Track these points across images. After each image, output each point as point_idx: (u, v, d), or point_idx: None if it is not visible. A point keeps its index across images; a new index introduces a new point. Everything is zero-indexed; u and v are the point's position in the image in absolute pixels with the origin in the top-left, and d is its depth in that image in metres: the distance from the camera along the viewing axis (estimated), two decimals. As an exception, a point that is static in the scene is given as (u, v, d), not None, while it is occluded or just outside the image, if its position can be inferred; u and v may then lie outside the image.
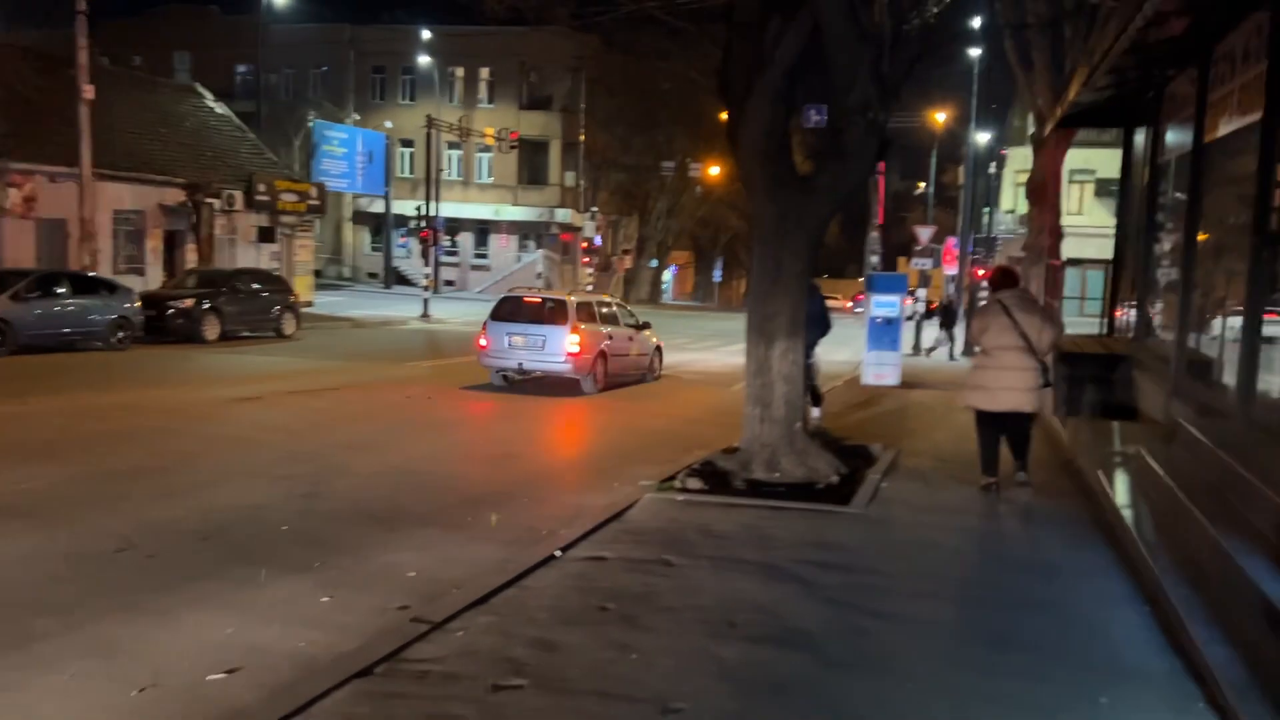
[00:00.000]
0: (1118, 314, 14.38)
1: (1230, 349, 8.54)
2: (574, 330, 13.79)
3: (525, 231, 51.84)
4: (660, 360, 17.18)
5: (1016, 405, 7.54)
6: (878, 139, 8.02)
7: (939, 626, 4.78)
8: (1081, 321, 28.10)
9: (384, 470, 8.47)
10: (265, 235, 30.55)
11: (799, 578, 5.35)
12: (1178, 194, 11.16)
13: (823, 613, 4.84)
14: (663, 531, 6.27)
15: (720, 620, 4.66)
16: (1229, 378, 8.12)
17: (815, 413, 10.76)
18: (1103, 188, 45.97)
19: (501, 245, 51.89)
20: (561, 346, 13.75)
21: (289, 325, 23.03)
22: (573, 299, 14.55)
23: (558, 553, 5.72)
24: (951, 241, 42.36)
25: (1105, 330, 15.36)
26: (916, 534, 6.54)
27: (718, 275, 70.69)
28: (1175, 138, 11.10)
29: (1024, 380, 7.49)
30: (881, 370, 16.82)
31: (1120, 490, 7.19)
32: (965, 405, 7.83)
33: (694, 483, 7.64)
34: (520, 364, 14.08)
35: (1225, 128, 8.78)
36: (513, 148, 44.67)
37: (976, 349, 8.26)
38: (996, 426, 7.74)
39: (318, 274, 48.28)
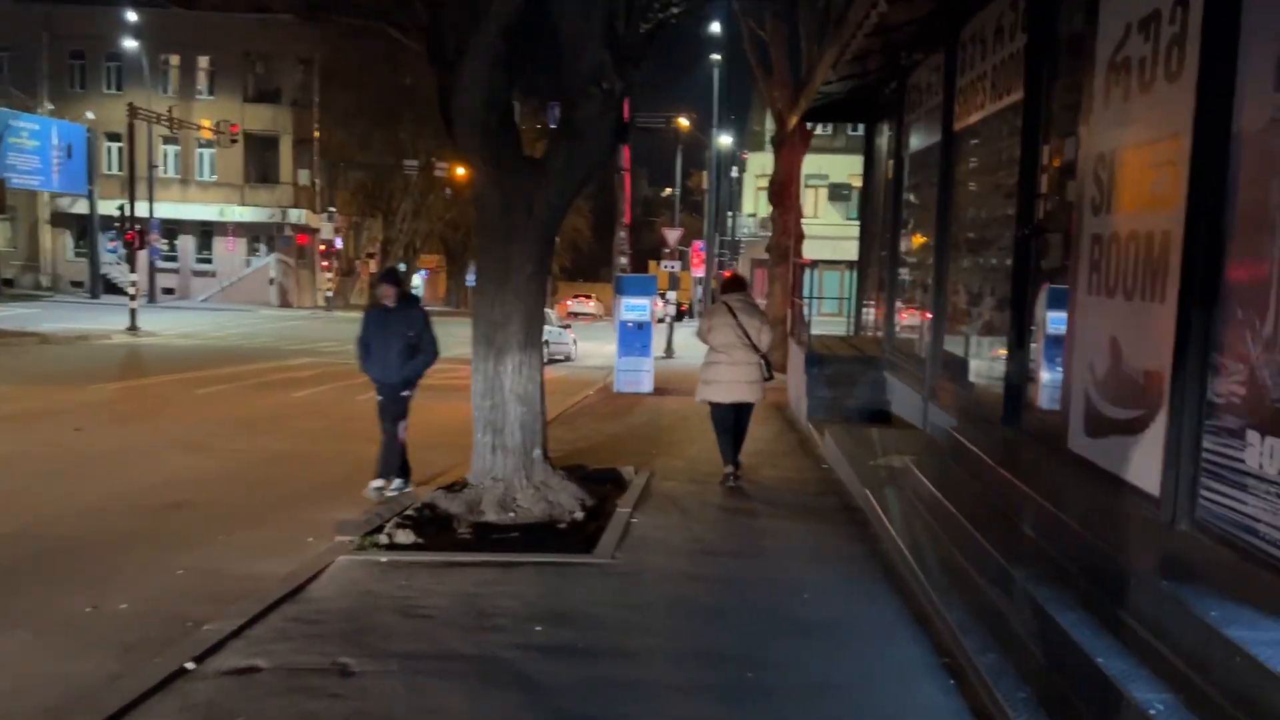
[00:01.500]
0: (874, 314, 14.09)
1: (992, 348, 8.04)
2: None
3: (255, 234, 47.80)
4: (576, 348, 23.74)
5: (743, 397, 8.19)
6: (615, 114, 6.87)
7: (706, 737, 3.60)
8: (819, 321, 28.58)
9: (-6, 538, 6.42)
10: (-77, 238, 25.95)
11: (523, 677, 4.03)
12: (925, 188, 10.81)
13: (552, 736, 3.55)
14: (350, 615, 4.77)
15: (404, 770, 3.27)
16: (994, 380, 7.58)
17: (395, 486, 7.80)
18: (835, 192, 48.06)
19: (228, 249, 47.58)
20: None
21: (-53, 344, 19.40)
22: None
23: (190, 664, 4.11)
24: (698, 245, 42.75)
25: (852, 331, 15.15)
26: (672, 589, 5.38)
27: (471, 279, 68.60)
28: (920, 129, 10.75)
29: (749, 374, 8.15)
30: (634, 377, 15.91)
31: (893, 514, 6.38)
32: (699, 400, 8.45)
33: (404, 535, 6.16)
34: None
35: (977, 113, 8.30)
36: (234, 142, 40.98)
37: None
38: (727, 418, 8.32)
39: (9, 283, 42.44)
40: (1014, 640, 4.16)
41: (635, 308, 16.02)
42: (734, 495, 7.93)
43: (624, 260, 16.72)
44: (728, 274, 9.51)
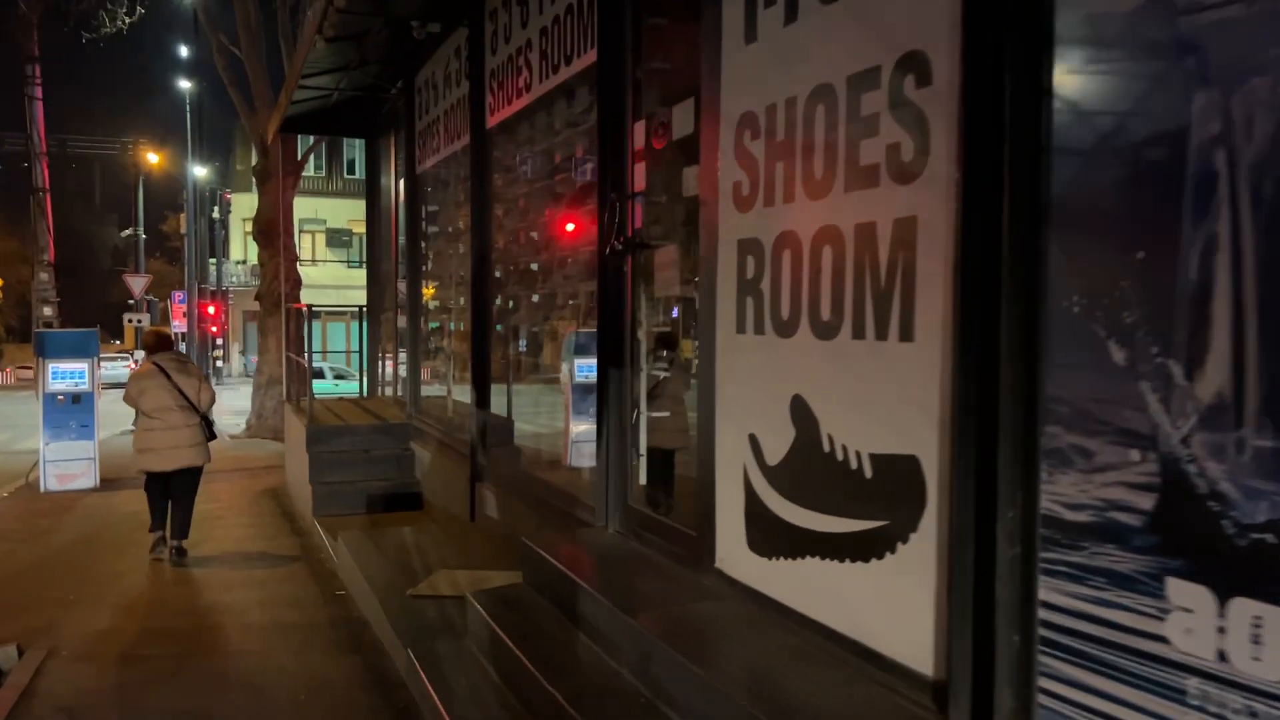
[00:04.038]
0: (392, 370, 11.52)
1: (575, 412, 5.94)
2: None
3: None
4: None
5: (188, 462, 7.62)
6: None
7: None
8: (328, 381, 25.35)
9: None
10: None
11: None
12: (451, 208, 8.59)
13: None
14: None
15: None
16: (582, 459, 5.49)
17: None
18: (335, 238, 44.88)
19: None
20: None
21: None
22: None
23: None
24: (179, 295, 37.10)
25: (365, 391, 12.48)
26: None
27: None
28: (438, 136, 8.51)
29: (191, 437, 7.63)
30: (70, 469, 11.77)
31: (459, 706, 3.90)
32: (138, 469, 7.74)
33: None
34: None
35: (523, 98, 6.21)
36: None
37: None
38: (166, 486, 7.67)
39: None
40: None
41: (67, 375, 11.90)
42: (189, 685, 4.92)
43: (48, 311, 12.36)
44: (152, 331, 8.29)
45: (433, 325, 9.37)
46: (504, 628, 4.12)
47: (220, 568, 7.35)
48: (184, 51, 27.86)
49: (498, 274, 7.25)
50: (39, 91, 12.85)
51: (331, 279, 38.69)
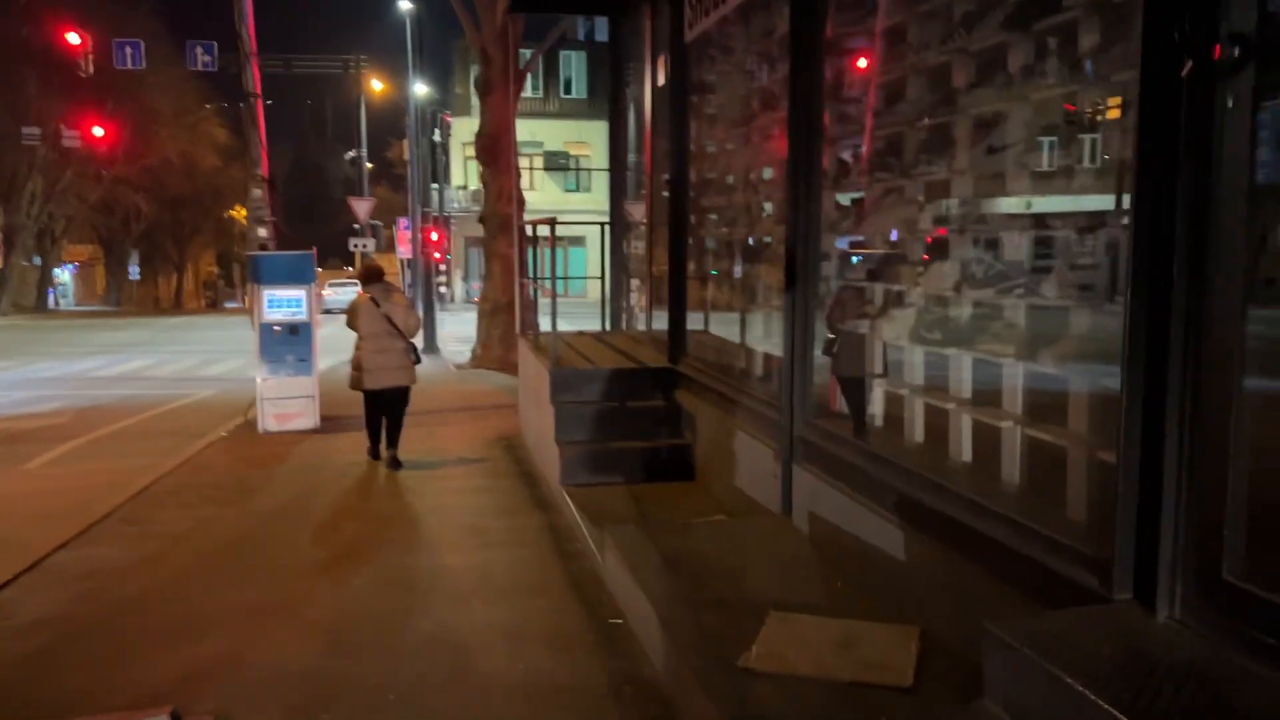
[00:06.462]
0: (645, 299, 9.49)
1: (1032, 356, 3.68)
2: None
3: None
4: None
5: (393, 382, 8.24)
6: None
7: None
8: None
9: None
10: None
11: None
12: (740, 79, 6.38)
13: None
14: None
15: None
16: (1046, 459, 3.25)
17: None
18: (552, 160, 43.80)
19: None
20: None
21: None
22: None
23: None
24: (404, 222, 36.99)
25: (608, 325, 10.57)
26: None
27: (134, 272, 58.70)
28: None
29: (396, 360, 8.23)
30: (287, 408, 10.56)
31: None
32: (351, 388, 8.38)
33: None
34: None
35: None
36: None
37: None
38: (381, 404, 8.34)
39: None
40: None
41: (284, 302, 10.64)
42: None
43: (263, 232, 11.25)
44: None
45: (719, 238, 7.27)
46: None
47: (451, 558, 5.62)
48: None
49: (828, 163, 5.00)
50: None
51: (549, 203, 37.44)
